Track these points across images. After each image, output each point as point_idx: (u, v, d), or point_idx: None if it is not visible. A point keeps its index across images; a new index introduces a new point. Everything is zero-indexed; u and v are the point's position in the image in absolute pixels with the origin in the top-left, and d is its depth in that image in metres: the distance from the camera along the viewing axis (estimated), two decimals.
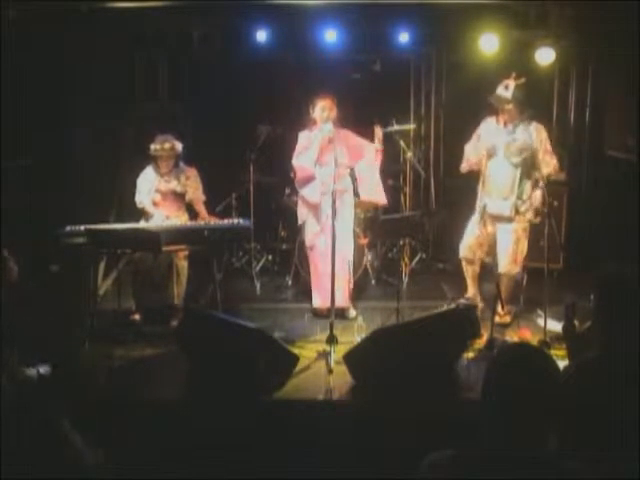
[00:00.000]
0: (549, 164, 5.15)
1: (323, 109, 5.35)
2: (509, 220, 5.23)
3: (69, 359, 4.68)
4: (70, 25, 5.76)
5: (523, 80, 5.14)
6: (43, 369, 4.30)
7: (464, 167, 5.44)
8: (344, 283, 5.44)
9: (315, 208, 5.51)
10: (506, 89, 5.13)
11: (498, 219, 5.28)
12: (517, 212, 5.21)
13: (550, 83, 6.98)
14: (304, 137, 5.48)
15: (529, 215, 5.25)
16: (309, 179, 5.46)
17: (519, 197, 5.21)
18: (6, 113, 5.41)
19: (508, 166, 5.21)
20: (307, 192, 5.50)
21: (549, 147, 5.18)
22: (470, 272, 5.53)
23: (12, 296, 4.24)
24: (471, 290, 5.58)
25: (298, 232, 5.99)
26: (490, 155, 5.27)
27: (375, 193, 5.57)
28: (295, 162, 5.48)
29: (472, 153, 5.38)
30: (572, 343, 3.24)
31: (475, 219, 5.39)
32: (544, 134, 5.18)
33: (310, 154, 5.39)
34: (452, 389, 4.28)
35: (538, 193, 5.19)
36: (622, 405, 2.29)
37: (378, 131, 5.50)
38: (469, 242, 5.42)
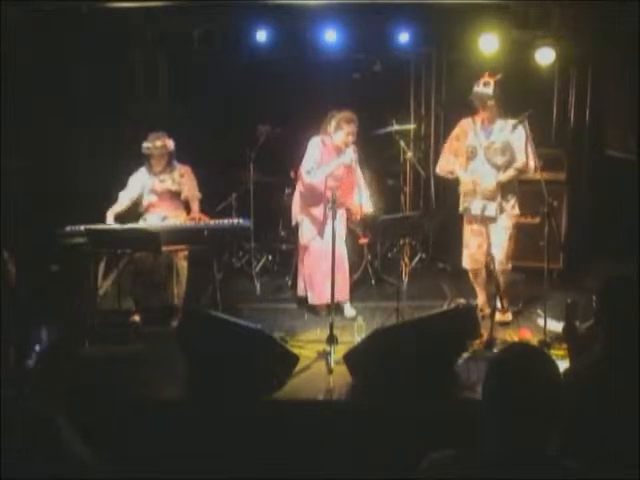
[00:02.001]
0: (519, 161, 5.11)
1: (348, 134, 5.30)
2: (495, 220, 5.22)
3: (69, 358, 4.68)
4: (70, 25, 5.76)
5: (500, 76, 5.10)
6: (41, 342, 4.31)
7: (439, 171, 5.41)
8: (340, 279, 5.43)
9: (302, 208, 5.54)
10: (486, 86, 5.08)
11: (487, 220, 5.25)
12: (502, 211, 5.20)
13: (550, 83, 6.98)
14: (316, 147, 5.41)
15: (516, 210, 5.22)
16: (318, 199, 5.42)
17: (504, 197, 5.20)
18: (6, 113, 5.41)
19: (490, 168, 5.18)
20: (315, 210, 5.52)
21: (524, 144, 5.07)
22: (479, 280, 5.48)
23: (10, 297, 4.24)
24: (481, 298, 5.52)
25: (296, 233, 5.99)
26: (469, 157, 5.23)
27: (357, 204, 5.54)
28: (307, 178, 5.38)
29: (449, 159, 5.32)
30: (572, 343, 3.24)
31: (467, 227, 5.35)
32: (522, 131, 5.09)
33: (324, 171, 5.34)
34: (452, 389, 4.28)
35: (514, 199, 5.21)
36: (622, 405, 2.29)
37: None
38: (472, 253, 5.36)
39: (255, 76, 7.02)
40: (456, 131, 5.36)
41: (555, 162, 6.34)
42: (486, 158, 5.17)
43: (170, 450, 3.61)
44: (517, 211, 5.24)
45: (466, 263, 5.43)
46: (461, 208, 5.33)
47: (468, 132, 5.27)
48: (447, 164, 5.36)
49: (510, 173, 5.16)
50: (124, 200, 5.48)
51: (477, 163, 5.21)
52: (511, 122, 5.10)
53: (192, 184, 5.61)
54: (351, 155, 5.27)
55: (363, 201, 5.42)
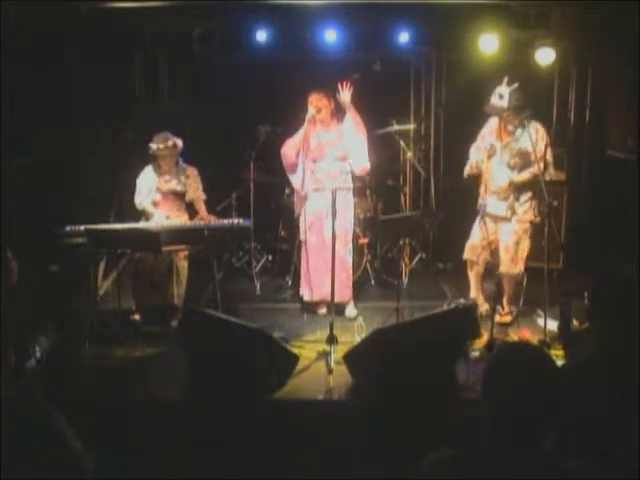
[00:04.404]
0: (536, 166, 5.10)
1: (310, 102, 5.42)
2: (508, 220, 5.24)
3: (69, 359, 4.68)
4: (70, 25, 5.75)
5: (516, 85, 5.08)
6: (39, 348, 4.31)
7: (466, 171, 5.40)
8: (338, 279, 5.42)
9: (302, 201, 5.56)
10: (501, 98, 5.06)
11: (498, 219, 5.29)
12: (514, 213, 5.21)
13: (550, 83, 6.98)
14: (300, 130, 5.54)
15: (528, 216, 5.25)
16: (293, 167, 5.57)
17: (516, 199, 5.21)
18: (6, 113, 5.41)
19: (505, 167, 5.22)
20: (292, 178, 5.63)
21: (542, 150, 5.11)
22: (474, 273, 5.52)
23: (12, 297, 4.24)
24: (473, 291, 5.57)
25: (297, 229, 5.99)
26: (489, 155, 5.27)
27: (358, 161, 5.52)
28: (282, 150, 5.58)
29: (475, 155, 5.36)
30: (568, 342, 3.24)
31: (478, 219, 5.38)
32: (541, 136, 5.14)
33: (294, 143, 5.48)
34: (452, 389, 4.28)
35: (528, 204, 5.21)
36: (621, 404, 2.29)
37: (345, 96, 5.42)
38: (473, 243, 5.41)
39: (255, 76, 7.01)
40: (483, 130, 5.40)
41: (555, 162, 6.33)
42: (502, 157, 5.20)
43: (170, 450, 3.61)
44: (530, 216, 5.25)
45: (465, 252, 5.47)
46: (478, 204, 5.36)
47: (493, 130, 5.31)
48: (470, 166, 5.35)
49: (525, 175, 5.18)
50: (146, 202, 5.51)
51: (494, 161, 5.26)
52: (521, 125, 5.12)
53: (197, 186, 5.61)
54: (308, 117, 5.35)
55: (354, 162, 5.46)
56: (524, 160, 5.17)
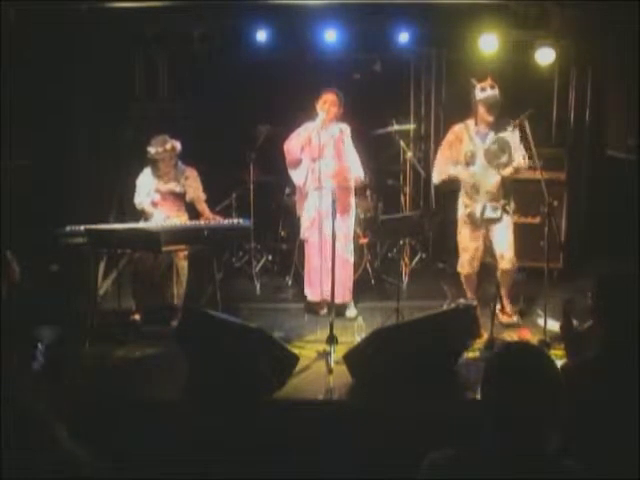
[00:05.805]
0: (516, 159, 5.12)
1: (324, 102, 5.39)
2: (499, 221, 5.22)
3: (69, 359, 4.68)
4: (70, 25, 5.76)
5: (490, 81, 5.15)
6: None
7: (437, 179, 5.38)
8: (339, 279, 5.43)
9: (303, 199, 5.56)
10: (492, 88, 5.09)
11: (490, 222, 5.24)
12: (506, 212, 5.20)
13: (550, 83, 6.98)
14: (304, 127, 5.51)
15: (513, 208, 5.25)
16: (296, 163, 5.55)
17: (506, 198, 5.20)
18: (6, 113, 5.41)
19: (492, 170, 5.15)
20: (294, 175, 5.60)
21: (518, 142, 5.11)
22: (472, 283, 5.47)
23: (13, 296, 4.24)
24: (469, 295, 5.52)
25: (297, 228, 5.99)
26: (468, 163, 5.19)
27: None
28: (285, 145, 5.54)
29: (447, 167, 5.29)
30: (570, 341, 3.24)
31: (467, 231, 5.31)
32: (516, 130, 5.12)
33: (299, 139, 5.45)
34: (452, 389, 4.28)
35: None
36: (622, 404, 2.29)
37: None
38: (471, 256, 5.33)
39: (255, 76, 7.01)
40: (449, 138, 5.33)
41: (555, 162, 6.33)
42: (486, 161, 5.13)
43: (170, 450, 3.61)
44: (514, 207, 5.27)
45: (463, 267, 5.39)
46: (462, 212, 5.31)
47: (463, 138, 5.24)
48: (444, 170, 5.31)
49: (509, 170, 5.16)
50: (146, 202, 5.50)
51: (476, 167, 5.18)
52: (510, 124, 5.09)
53: (197, 186, 5.60)
54: (322, 117, 5.32)
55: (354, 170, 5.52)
56: (508, 156, 5.09)
